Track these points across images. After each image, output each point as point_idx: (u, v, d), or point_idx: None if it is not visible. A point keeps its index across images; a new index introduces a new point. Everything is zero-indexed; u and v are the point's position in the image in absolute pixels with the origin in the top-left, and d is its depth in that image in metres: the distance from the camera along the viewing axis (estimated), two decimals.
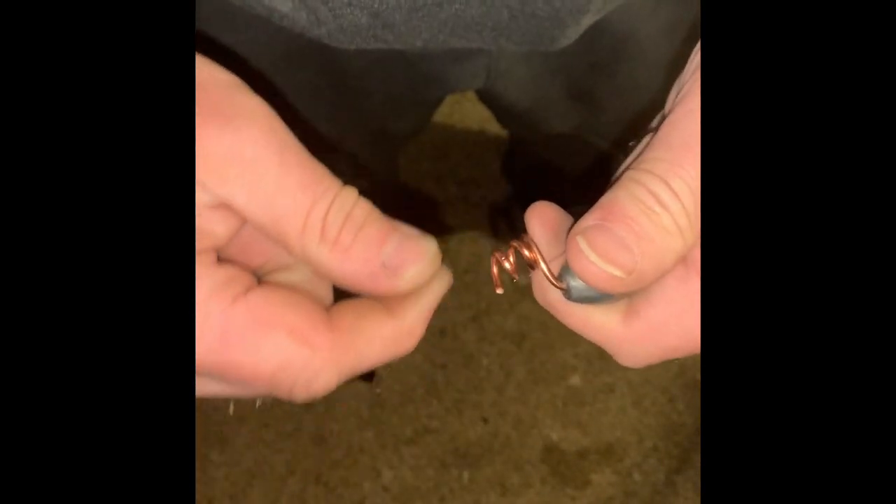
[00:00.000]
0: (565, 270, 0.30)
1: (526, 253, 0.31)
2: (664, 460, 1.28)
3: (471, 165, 1.44)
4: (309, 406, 1.33)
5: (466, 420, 1.31)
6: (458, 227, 1.39)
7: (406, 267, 0.29)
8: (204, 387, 0.31)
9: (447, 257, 1.42)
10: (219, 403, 1.32)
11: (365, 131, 0.70)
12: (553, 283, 0.30)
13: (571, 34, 0.46)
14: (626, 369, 1.32)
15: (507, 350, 1.34)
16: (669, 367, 1.32)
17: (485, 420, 1.31)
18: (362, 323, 0.30)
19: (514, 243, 0.31)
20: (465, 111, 1.44)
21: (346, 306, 0.30)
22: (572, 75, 0.63)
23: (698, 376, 1.30)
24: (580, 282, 0.29)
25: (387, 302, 0.31)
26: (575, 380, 1.33)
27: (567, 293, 0.30)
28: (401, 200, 1.29)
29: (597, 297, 0.30)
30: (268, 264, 0.32)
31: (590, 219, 0.29)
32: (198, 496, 1.28)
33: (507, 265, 0.31)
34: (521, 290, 1.35)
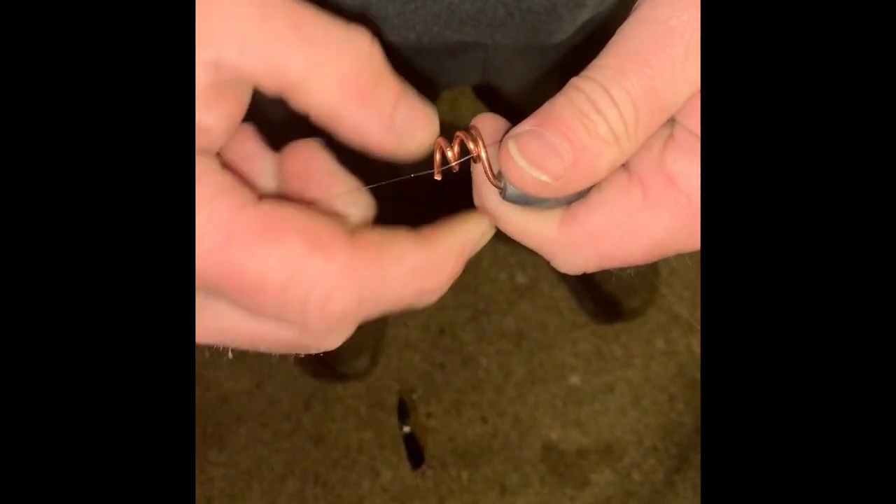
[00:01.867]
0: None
1: (471, 146, 0.30)
2: (663, 460, 1.28)
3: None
4: (308, 406, 1.33)
5: (465, 420, 1.31)
6: None
7: (417, 131, 0.29)
8: (205, 312, 0.28)
9: None
10: (213, 400, 1.32)
11: None
12: (490, 180, 0.30)
13: (567, 28, 0.46)
14: (625, 369, 1.31)
15: (506, 350, 1.34)
16: (668, 367, 1.32)
17: (484, 420, 1.31)
18: (388, 243, 0.27)
19: (460, 133, 0.31)
20: (462, 108, 1.44)
21: (372, 228, 0.28)
22: (569, 69, 0.63)
23: (697, 376, 1.30)
24: None
25: (418, 232, 0.29)
26: (574, 379, 1.33)
27: (503, 192, 0.30)
28: (400, 195, 1.29)
29: (532, 200, 0.30)
30: (269, 103, 0.30)
31: (525, 124, 0.29)
32: (197, 496, 1.28)
33: (449, 154, 0.30)
34: (520, 290, 1.35)
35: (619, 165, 0.29)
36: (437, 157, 0.31)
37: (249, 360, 1.35)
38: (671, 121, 0.29)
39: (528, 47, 0.54)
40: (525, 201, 0.30)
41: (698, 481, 1.26)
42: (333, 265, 0.26)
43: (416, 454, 1.29)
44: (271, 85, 0.26)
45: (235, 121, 0.28)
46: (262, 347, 0.29)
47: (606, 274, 1.23)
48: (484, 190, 0.31)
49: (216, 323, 0.28)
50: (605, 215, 0.29)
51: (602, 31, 0.56)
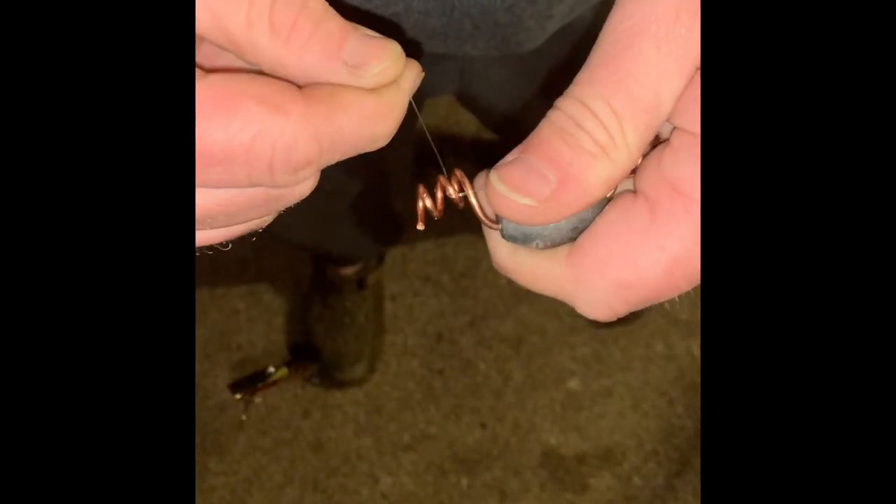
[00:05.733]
0: None
1: (450, 190, 0.30)
2: (663, 464, 1.28)
3: (466, 169, 1.44)
4: (307, 413, 1.32)
5: (464, 426, 1.31)
6: (453, 230, 1.39)
7: (371, 64, 0.28)
8: None
9: (444, 261, 1.41)
10: (212, 409, 1.32)
11: None
12: (481, 218, 0.30)
13: (538, 38, 0.46)
14: (624, 373, 1.31)
15: (505, 355, 1.34)
16: (668, 371, 1.32)
17: (483, 425, 1.31)
18: (340, 94, 0.28)
19: (442, 178, 0.30)
20: (460, 115, 1.44)
21: (319, 84, 0.29)
22: (548, 76, 0.63)
23: (697, 379, 1.30)
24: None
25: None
26: (573, 384, 1.32)
27: (502, 232, 0.30)
28: (393, 203, 1.29)
29: (533, 235, 0.29)
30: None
31: (510, 155, 0.28)
32: None
33: (428, 203, 0.30)
34: (518, 295, 1.35)
35: (617, 180, 0.28)
36: (420, 206, 0.30)
37: (247, 370, 1.34)
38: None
39: (504, 56, 0.54)
40: (526, 237, 0.30)
41: (699, 485, 1.26)
42: (291, 119, 0.27)
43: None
44: (216, 39, 0.27)
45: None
46: (240, 217, 0.30)
47: None
48: (491, 242, 0.31)
49: None
50: (612, 238, 0.28)
51: (579, 40, 0.56)
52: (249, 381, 1.27)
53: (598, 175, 0.27)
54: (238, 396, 1.27)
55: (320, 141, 0.28)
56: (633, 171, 0.29)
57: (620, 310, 0.29)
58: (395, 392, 1.33)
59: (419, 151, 1.45)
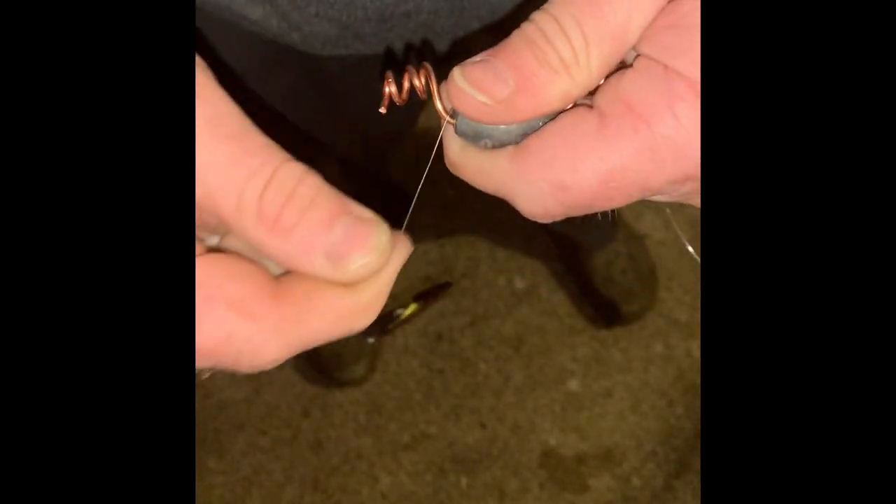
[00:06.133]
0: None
1: (416, 82, 0.31)
2: (663, 465, 1.28)
3: None
4: (307, 412, 1.32)
5: (464, 426, 1.31)
6: (454, 230, 1.39)
7: (352, 258, 0.27)
8: None
9: (444, 261, 1.41)
10: (212, 408, 1.32)
11: (350, 134, 0.70)
12: (440, 113, 0.31)
13: None
14: (624, 374, 1.31)
15: (505, 355, 1.34)
16: (667, 371, 1.32)
17: (483, 425, 1.31)
18: (315, 294, 0.28)
19: (411, 68, 0.32)
20: None
21: (300, 276, 0.28)
22: None
23: (697, 380, 1.30)
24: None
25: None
26: (573, 384, 1.32)
27: (456, 127, 0.31)
28: (394, 202, 1.29)
29: (485, 134, 0.30)
30: (221, 226, 0.29)
31: (477, 56, 0.29)
32: None
33: (393, 89, 0.31)
34: (519, 295, 1.35)
35: (573, 97, 0.29)
36: (385, 90, 0.31)
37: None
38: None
39: None
40: (476, 135, 0.31)
41: (698, 486, 1.26)
42: (261, 327, 0.27)
43: None
44: (208, 213, 0.27)
45: None
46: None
47: (606, 278, 1.24)
48: (446, 139, 0.32)
49: None
50: (558, 141, 0.29)
51: None
52: (380, 324, 1.26)
53: (556, 89, 0.28)
54: (371, 340, 1.27)
55: (289, 345, 0.27)
56: (593, 93, 0.30)
57: (555, 211, 0.30)
58: (395, 392, 1.33)
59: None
